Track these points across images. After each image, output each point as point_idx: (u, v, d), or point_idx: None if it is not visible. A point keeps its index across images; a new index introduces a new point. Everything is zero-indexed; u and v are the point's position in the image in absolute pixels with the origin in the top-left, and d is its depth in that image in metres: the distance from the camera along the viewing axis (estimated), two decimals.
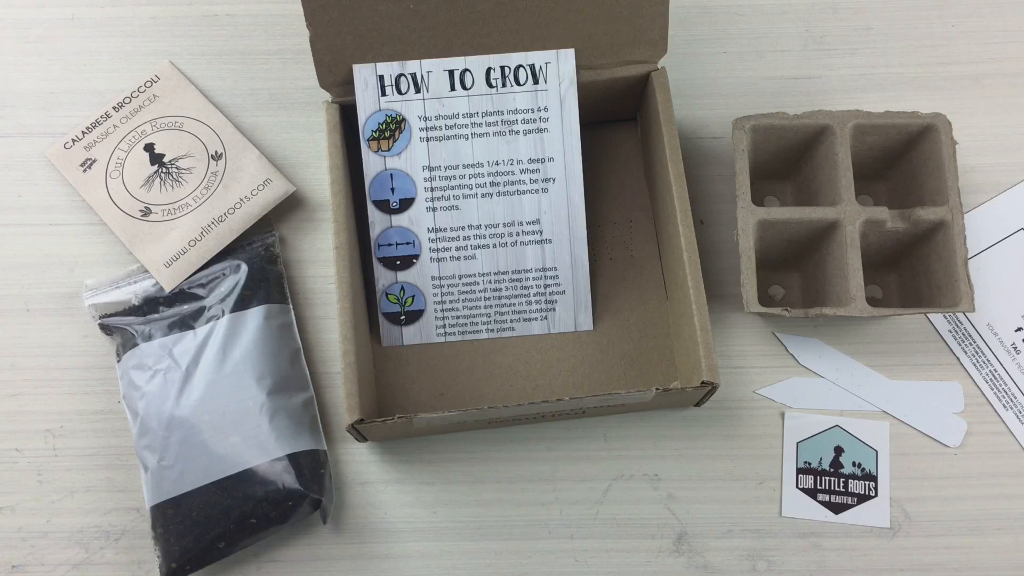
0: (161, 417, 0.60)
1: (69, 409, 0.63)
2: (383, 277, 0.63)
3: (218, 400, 0.60)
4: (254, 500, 0.58)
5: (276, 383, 0.61)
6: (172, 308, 0.63)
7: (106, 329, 0.64)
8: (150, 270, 0.64)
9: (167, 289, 0.63)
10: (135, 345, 0.62)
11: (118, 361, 0.63)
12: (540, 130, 0.62)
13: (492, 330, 0.64)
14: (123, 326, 0.63)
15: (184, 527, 0.58)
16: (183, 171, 0.66)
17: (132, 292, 0.64)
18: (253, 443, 0.59)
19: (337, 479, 0.62)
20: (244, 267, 0.63)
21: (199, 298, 0.63)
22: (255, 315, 0.62)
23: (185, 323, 0.62)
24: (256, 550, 0.61)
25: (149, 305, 0.63)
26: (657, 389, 0.55)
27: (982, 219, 0.67)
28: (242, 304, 0.62)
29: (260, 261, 0.64)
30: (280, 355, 0.62)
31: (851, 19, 0.71)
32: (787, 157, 0.65)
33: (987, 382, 0.64)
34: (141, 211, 0.65)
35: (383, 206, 0.62)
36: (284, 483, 0.58)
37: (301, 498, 0.58)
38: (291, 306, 0.64)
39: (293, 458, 0.59)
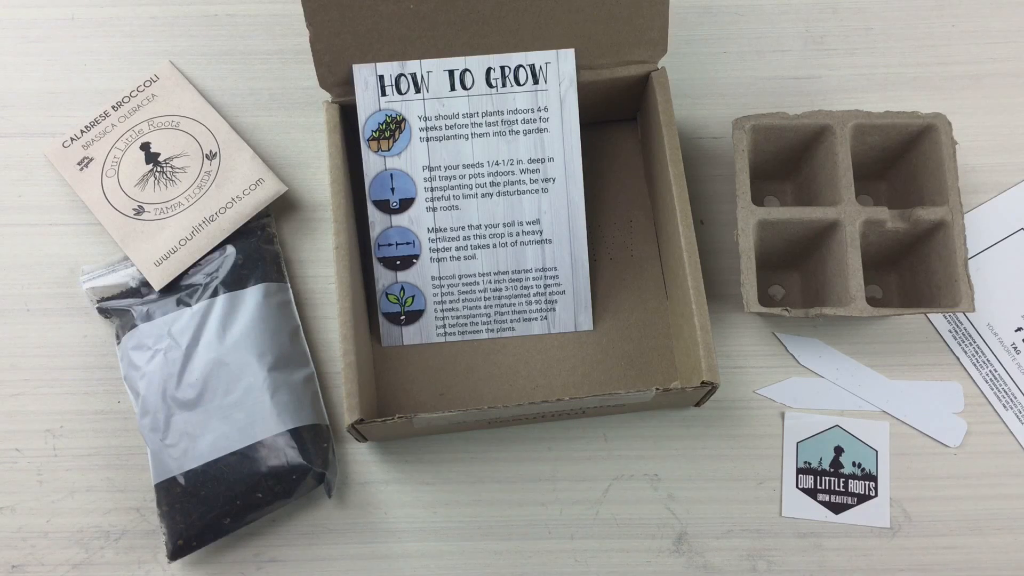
0: (162, 396, 0.60)
1: (69, 409, 0.64)
2: (383, 277, 0.63)
3: (219, 378, 0.60)
4: (258, 475, 0.58)
5: (276, 360, 0.61)
6: (170, 289, 0.63)
7: (104, 312, 0.64)
8: (140, 269, 0.64)
9: (156, 288, 0.63)
10: (134, 326, 0.62)
11: (118, 343, 0.63)
12: (540, 130, 0.62)
13: (492, 330, 0.64)
14: (122, 308, 0.63)
15: (189, 504, 0.58)
16: (177, 170, 0.66)
17: (129, 275, 0.64)
18: (255, 419, 0.59)
19: (337, 478, 0.62)
20: (233, 248, 0.64)
21: (196, 278, 0.63)
22: (253, 293, 0.62)
23: (183, 303, 0.62)
24: (256, 550, 0.61)
25: (147, 287, 0.64)
26: (657, 389, 0.55)
27: (982, 219, 0.67)
28: (240, 283, 0.63)
29: (257, 241, 0.65)
30: (280, 332, 0.62)
31: (851, 19, 0.71)
32: (787, 157, 0.65)
33: (987, 382, 0.64)
34: (134, 210, 0.65)
35: (383, 206, 0.62)
36: (287, 457, 0.59)
37: (305, 471, 0.59)
38: (289, 284, 0.65)
39: (295, 432, 0.59)
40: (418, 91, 0.61)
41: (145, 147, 0.67)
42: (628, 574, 0.61)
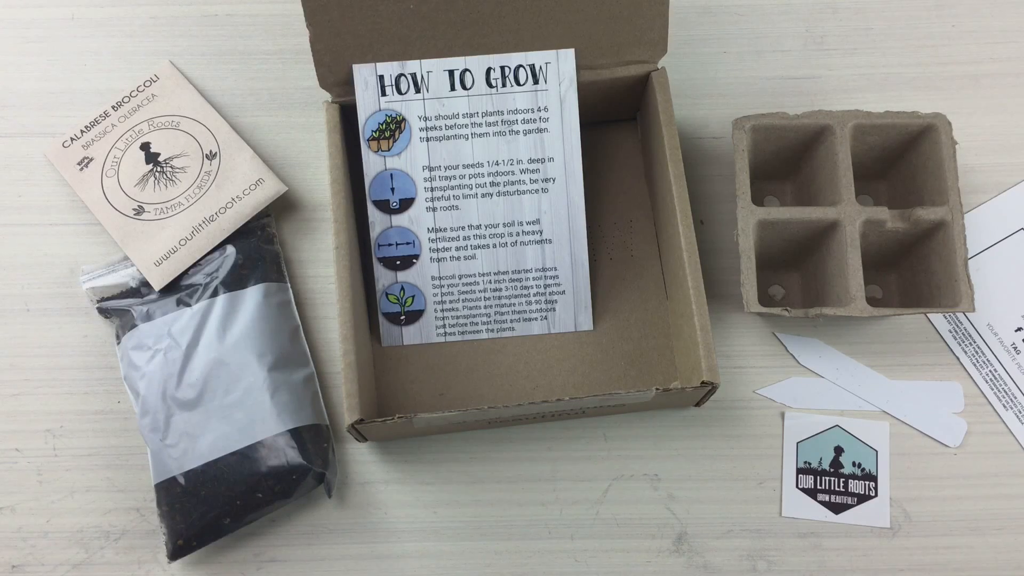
0: (162, 396, 0.60)
1: (69, 409, 0.64)
2: (383, 277, 0.63)
3: (219, 378, 0.60)
4: (258, 475, 0.58)
5: (276, 360, 0.61)
6: (170, 289, 0.63)
7: (104, 312, 0.64)
8: (140, 269, 0.64)
9: (156, 288, 0.63)
10: (134, 326, 0.62)
11: (117, 343, 0.63)
12: (540, 130, 0.62)
13: (492, 330, 0.64)
14: (122, 308, 0.63)
15: (189, 504, 0.58)
16: (177, 170, 0.66)
17: (129, 275, 0.64)
18: (255, 419, 0.59)
19: (337, 478, 0.62)
20: (233, 248, 0.64)
21: (196, 278, 0.63)
22: (253, 293, 0.62)
23: (183, 303, 0.63)
24: (256, 550, 0.61)
25: (147, 287, 0.64)
26: (657, 389, 0.55)
27: (982, 219, 0.67)
28: (240, 283, 0.63)
29: (257, 241, 0.65)
30: (280, 332, 0.62)
31: (851, 19, 0.71)
32: (787, 157, 0.65)
33: (987, 382, 0.64)
34: (134, 210, 0.65)
35: (383, 206, 0.62)
36: (287, 457, 0.59)
37: (305, 472, 0.59)
38: (289, 284, 0.65)
39: (295, 432, 0.59)
40: (418, 91, 0.61)
41: (145, 147, 0.67)
42: (628, 574, 0.61)
